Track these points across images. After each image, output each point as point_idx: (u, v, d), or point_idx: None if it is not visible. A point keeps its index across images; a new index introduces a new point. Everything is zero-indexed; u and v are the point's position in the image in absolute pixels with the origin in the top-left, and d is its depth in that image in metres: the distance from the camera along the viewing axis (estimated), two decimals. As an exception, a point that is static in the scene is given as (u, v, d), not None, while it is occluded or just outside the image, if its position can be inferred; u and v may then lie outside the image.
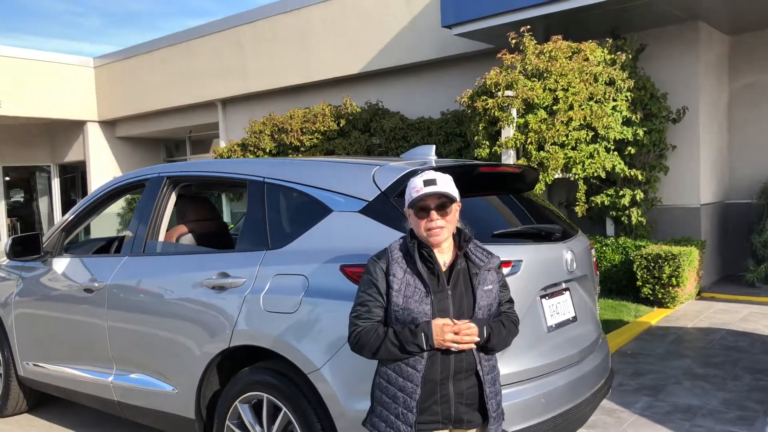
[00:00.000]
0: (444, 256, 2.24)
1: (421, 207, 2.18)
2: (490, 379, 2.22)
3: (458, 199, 2.23)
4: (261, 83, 12.50)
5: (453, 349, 2.12)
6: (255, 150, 11.00)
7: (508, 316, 2.31)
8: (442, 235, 2.19)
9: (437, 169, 3.02)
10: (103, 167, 16.38)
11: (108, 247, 4.81)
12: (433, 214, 2.17)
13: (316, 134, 10.44)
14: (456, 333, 2.10)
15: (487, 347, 2.19)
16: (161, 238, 3.80)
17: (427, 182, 2.18)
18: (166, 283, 3.51)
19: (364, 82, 11.23)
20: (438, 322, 2.11)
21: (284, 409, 2.95)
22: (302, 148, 10.54)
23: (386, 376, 2.21)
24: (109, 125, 16.50)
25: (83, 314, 3.89)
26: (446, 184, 2.20)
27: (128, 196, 13.06)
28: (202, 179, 4.02)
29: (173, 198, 3.89)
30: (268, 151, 10.81)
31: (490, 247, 2.38)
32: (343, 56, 11.09)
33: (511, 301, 2.38)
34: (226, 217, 13.08)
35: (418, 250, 2.21)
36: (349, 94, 10.99)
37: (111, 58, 15.68)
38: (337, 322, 2.78)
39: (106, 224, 13.90)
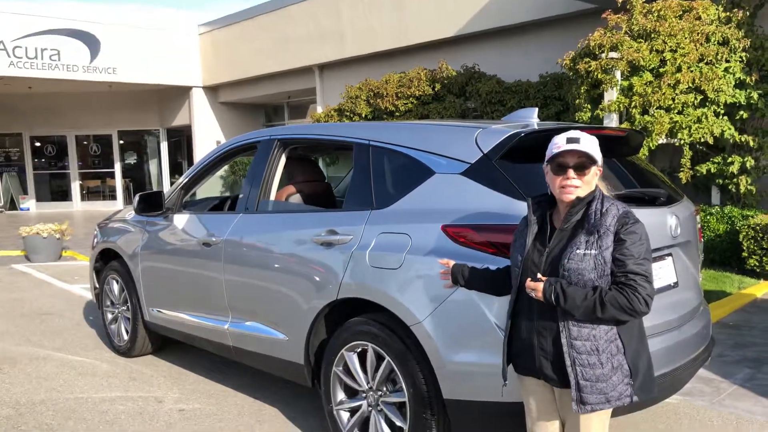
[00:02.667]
0: (568, 215, 2.22)
1: (560, 164, 2.18)
2: (583, 347, 2.12)
3: (600, 162, 2.20)
4: (357, 48, 12.65)
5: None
6: (351, 115, 11.21)
7: (622, 287, 2.09)
8: (574, 193, 2.17)
9: (540, 131, 3.07)
10: (207, 131, 17.21)
11: (221, 205, 5.15)
12: (570, 172, 2.16)
13: (410, 99, 10.51)
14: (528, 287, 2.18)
15: (560, 309, 2.13)
16: (272, 197, 4.04)
17: (570, 140, 2.17)
18: (277, 239, 3.74)
19: (460, 45, 11.14)
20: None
21: (387, 358, 3.11)
22: (397, 113, 10.65)
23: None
24: (212, 91, 17.23)
25: (201, 267, 4.21)
26: (590, 145, 2.17)
27: (232, 160, 13.71)
28: (311, 141, 4.21)
29: (283, 159, 4.10)
30: (363, 116, 11.00)
31: None
32: (439, 19, 11.02)
33: (634, 272, 2.10)
34: (323, 180, 13.43)
35: (531, 206, 2.31)
36: (444, 57, 10.94)
37: (214, 25, 16.30)
38: (438, 279, 2.89)
39: (210, 186, 14.65)
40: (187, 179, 4.69)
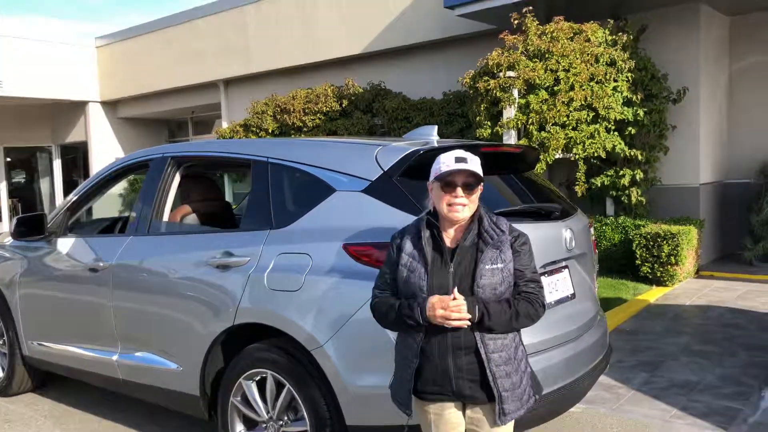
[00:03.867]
0: (457, 233, 2.26)
1: (449, 182, 2.21)
2: (499, 358, 2.18)
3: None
4: (264, 63, 12.46)
5: (446, 326, 2.14)
6: (257, 131, 11.00)
7: (527, 296, 2.22)
8: (462, 213, 2.21)
9: (440, 149, 3.06)
10: (105, 148, 16.39)
11: (112, 227, 4.86)
12: (459, 190, 2.20)
13: (318, 115, 10.44)
14: (445, 309, 2.11)
15: (483, 326, 2.15)
16: (165, 218, 3.84)
17: (459, 159, 2.22)
18: (170, 262, 3.55)
19: (367, 63, 11.20)
20: (433, 299, 2.14)
21: (288, 385, 3.00)
22: (305, 129, 10.54)
23: (398, 344, 2.34)
24: (111, 106, 16.47)
25: (88, 294, 3.94)
26: (477, 165, 2.24)
27: (130, 177, 13.10)
28: (206, 159, 4.04)
29: (177, 178, 3.91)
30: (270, 131, 10.82)
31: None
32: (346, 36, 11.05)
33: (533, 280, 2.25)
34: (228, 198, 13.11)
35: (426, 227, 2.26)
36: (351, 74, 10.96)
37: (113, 38, 15.63)
38: (340, 300, 2.84)
39: (107, 205, 13.95)
40: (73, 200, 4.39)
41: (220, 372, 3.37)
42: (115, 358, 3.82)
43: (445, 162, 2.22)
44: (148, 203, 3.83)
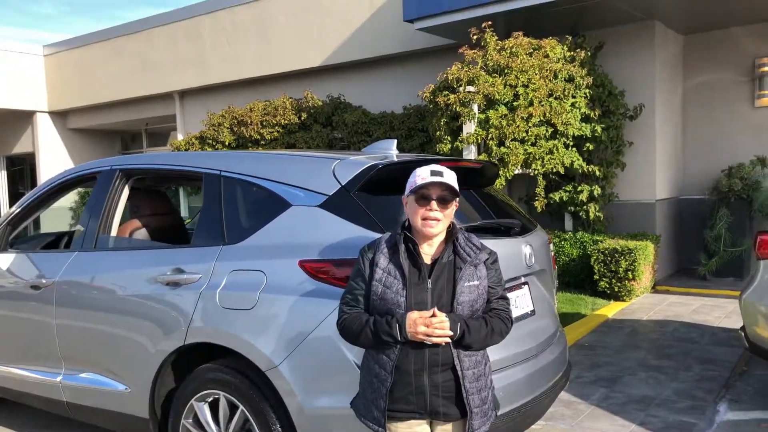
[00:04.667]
0: (432, 249, 2.26)
1: (423, 195, 2.19)
2: (472, 375, 2.21)
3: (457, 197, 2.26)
4: (220, 75, 12.29)
5: (427, 342, 2.13)
6: (213, 143, 10.81)
7: (498, 314, 2.26)
8: (437, 227, 2.20)
9: (399, 163, 3.01)
10: (54, 159, 15.88)
11: (57, 242, 4.65)
12: (434, 204, 2.19)
13: (276, 127, 10.31)
14: (427, 326, 2.10)
15: (462, 344, 2.17)
16: (114, 233, 3.69)
17: (435, 173, 2.20)
18: (118, 279, 3.40)
19: (326, 76, 11.14)
20: (413, 315, 2.13)
21: (241, 407, 2.90)
22: (262, 142, 10.40)
23: (367, 362, 2.28)
24: (60, 116, 16.00)
25: (30, 312, 3.75)
26: (452, 179, 2.23)
27: (80, 190, 12.71)
28: (156, 172, 3.90)
29: (126, 191, 3.77)
30: (227, 144, 10.64)
31: None
32: (305, 49, 10.98)
33: (503, 297, 2.32)
34: (184, 212, 12.84)
35: (403, 242, 2.23)
36: (310, 87, 10.89)
37: (63, 46, 15.21)
38: (296, 318, 2.75)
39: (57, 219, 13.50)
40: (14, 214, 4.19)
41: (170, 393, 3.25)
42: (59, 379, 3.64)
43: (421, 175, 2.22)
44: (95, 217, 3.67)
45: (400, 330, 2.12)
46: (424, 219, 2.19)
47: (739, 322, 4.69)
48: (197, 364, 3.10)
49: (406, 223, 2.29)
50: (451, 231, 2.27)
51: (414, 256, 2.22)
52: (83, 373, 3.53)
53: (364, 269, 2.26)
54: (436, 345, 2.14)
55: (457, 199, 2.25)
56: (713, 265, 8.11)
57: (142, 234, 3.90)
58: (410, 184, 2.24)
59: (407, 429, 2.23)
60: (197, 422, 3.09)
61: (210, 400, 3.04)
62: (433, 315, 2.11)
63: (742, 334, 4.27)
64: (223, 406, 2.99)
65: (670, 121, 8.65)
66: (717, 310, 6.77)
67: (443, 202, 2.20)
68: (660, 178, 8.30)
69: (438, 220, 2.19)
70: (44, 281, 3.67)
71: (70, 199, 14.35)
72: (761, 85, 8.34)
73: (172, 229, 4.10)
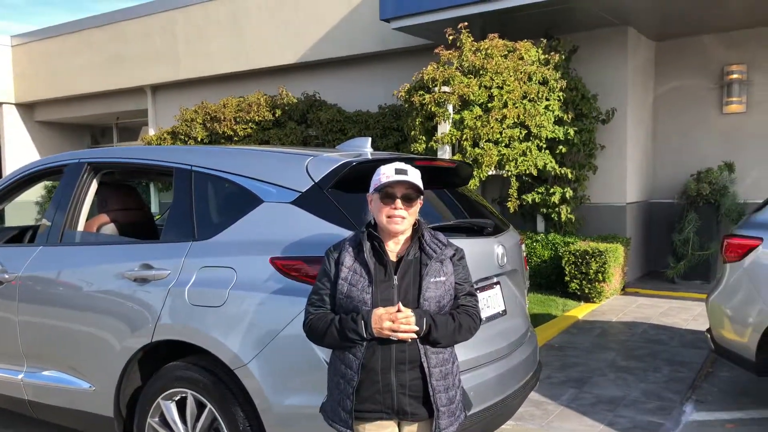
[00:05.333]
0: (398, 246, 2.25)
1: (388, 193, 2.19)
2: (439, 373, 2.19)
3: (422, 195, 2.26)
4: (193, 70, 12.14)
5: (393, 339, 2.11)
6: (186, 139, 10.67)
7: (466, 310, 2.26)
8: (402, 224, 2.20)
9: (373, 161, 2.99)
10: (20, 153, 15.51)
11: (21, 236, 4.54)
12: (398, 202, 2.18)
13: (250, 124, 10.21)
14: (393, 321, 2.09)
15: (429, 339, 2.15)
16: (80, 227, 3.60)
17: (399, 171, 2.20)
18: (83, 274, 3.32)
19: (301, 73, 11.07)
20: (378, 311, 2.11)
21: (209, 405, 2.86)
22: (235, 138, 10.29)
23: (334, 362, 2.25)
24: (27, 108, 15.64)
25: (-9, 308, 3.64)
26: (416, 177, 2.23)
27: (48, 184, 12.45)
28: (125, 166, 3.82)
29: (94, 185, 3.69)
30: (199, 140, 10.51)
31: None
32: (280, 45, 10.89)
33: (471, 294, 2.31)
34: (155, 208, 12.65)
35: (368, 239, 2.22)
36: (285, 84, 10.80)
37: (31, 36, 14.87)
38: (266, 316, 2.73)
39: (23, 213, 13.19)
40: (-24, 207, 4.07)
41: (136, 392, 3.19)
42: (20, 377, 3.55)
43: (385, 173, 2.21)
44: (61, 212, 3.59)
45: (365, 326, 2.10)
46: (389, 217, 2.19)
47: (706, 324, 4.76)
48: (165, 362, 3.04)
49: (372, 221, 2.28)
50: (416, 228, 2.27)
51: (380, 253, 2.21)
52: (46, 371, 3.45)
53: (330, 269, 2.24)
54: (403, 341, 2.13)
55: (422, 197, 2.25)
56: (681, 268, 8.25)
57: (109, 229, 3.82)
58: (374, 182, 2.23)
59: (375, 429, 2.21)
60: (164, 421, 3.04)
61: (177, 398, 2.99)
62: (399, 310, 2.09)
63: (709, 336, 4.34)
64: (190, 404, 2.94)
65: (642, 126, 8.77)
66: (685, 313, 6.88)
67: (408, 200, 2.20)
68: (631, 182, 8.42)
69: (403, 218, 2.19)
70: (6, 276, 3.57)
71: (36, 192, 14.04)
72: (729, 92, 8.50)
73: (141, 224, 4.03)
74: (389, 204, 2.19)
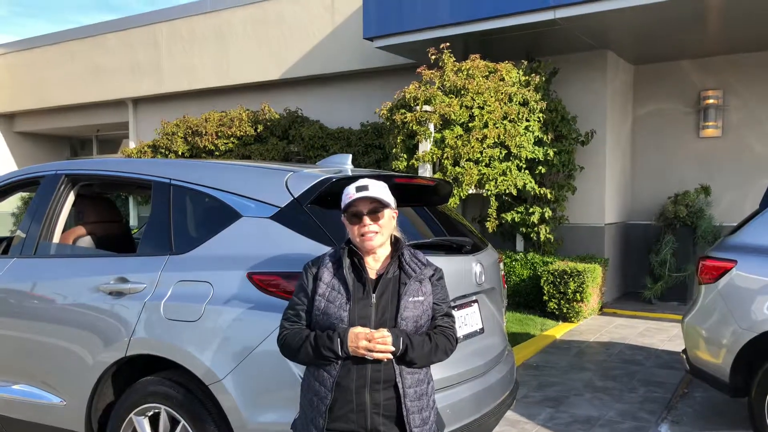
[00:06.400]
0: (377, 264, 2.24)
1: (354, 213, 2.20)
2: (414, 393, 2.17)
3: (393, 206, 2.25)
4: (176, 84, 12.11)
5: (368, 358, 2.09)
6: (166, 152, 10.61)
7: (442, 330, 2.23)
8: (375, 240, 2.19)
9: (353, 177, 2.99)
10: (-1, 163, 15.32)
11: (-5, 248, 4.46)
12: (365, 219, 2.18)
13: (232, 139, 10.20)
14: (369, 341, 2.07)
15: (405, 360, 2.13)
16: (56, 239, 3.55)
17: (360, 188, 2.20)
18: (58, 286, 3.27)
19: (284, 89, 11.10)
20: (355, 330, 2.09)
21: (183, 421, 2.82)
22: (217, 152, 10.26)
23: (307, 379, 2.22)
24: (6, 118, 15.48)
25: (-38, 320, 3.57)
26: (379, 191, 2.22)
27: (24, 195, 12.27)
28: (103, 179, 3.78)
29: (71, 197, 3.65)
30: (180, 153, 10.46)
31: None
32: (263, 61, 10.92)
33: (448, 315, 2.29)
34: (133, 221, 12.53)
35: (348, 256, 2.21)
36: (267, 99, 10.82)
37: (12, 47, 14.76)
38: (242, 331, 2.70)
39: (-1, 224, 13.00)
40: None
41: (109, 407, 3.13)
42: (-11, 391, 3.47)
43: (348, 193, 2.22)
44: (36, 223, 3.54)
45: (341, 345, 2.08)
46: (362, 235, 2.19)
47: (682, 345, 4.80)
48: (139, 377, 3.00)
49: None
50: (396, 246, 2.27)
51: (359, 270, 2.20)
52: (16, 385, 3.38)
53: (308, 284, 2.23)
54: (378, 361, 2.11)
55: (392, 208, 2.24)
56: (658, 289, 8.34)
57: (86, 242, 3.78)
58: (342, 203, 2.23)
59: None
60: (136, 437, 2.99)
61: (150, 414, 2.95)
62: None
63: (684, 356, 4.38)
64: (163, 420, 2.90)
65: (620, 148, 8.90)
66: (661, 333, 6.94)
67: (374, 214, 2.19)
68: (609, 203, 8.52)
69: (375, 232, 2.18)
70: (-23, 288, 3.50)
71: (13, 204, 13.84)
72: (706, 116, 8.67)
73: (118, 237, 3.99)
74: (357, 223, 2.19)
